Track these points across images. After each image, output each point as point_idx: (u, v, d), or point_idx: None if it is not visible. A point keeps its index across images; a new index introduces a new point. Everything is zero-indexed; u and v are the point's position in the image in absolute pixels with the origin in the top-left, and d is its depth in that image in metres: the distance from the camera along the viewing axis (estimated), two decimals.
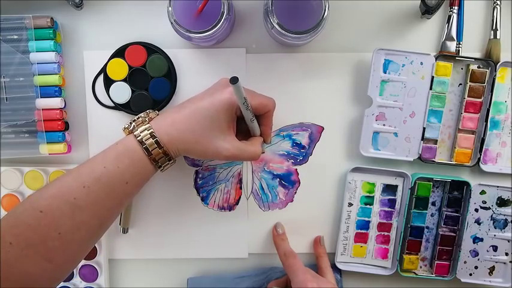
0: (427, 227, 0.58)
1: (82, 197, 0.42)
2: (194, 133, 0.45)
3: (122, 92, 0.56)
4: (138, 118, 0.47)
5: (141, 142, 0.44)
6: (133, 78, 0.56)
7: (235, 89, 0.43)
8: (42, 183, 0.57)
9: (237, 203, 0.59)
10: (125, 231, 0.58)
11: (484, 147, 0.55)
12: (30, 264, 0.40)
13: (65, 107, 0.56)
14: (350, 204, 0.57)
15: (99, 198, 0.42)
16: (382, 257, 0.58)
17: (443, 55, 0.54)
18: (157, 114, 0.49)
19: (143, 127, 0.45)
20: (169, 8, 0.48)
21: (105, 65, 0.56)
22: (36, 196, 0.42)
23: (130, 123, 0.47)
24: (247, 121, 0.49)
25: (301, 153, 0.58)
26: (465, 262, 0.57)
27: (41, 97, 0.54)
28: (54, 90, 0.55)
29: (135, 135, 0.45)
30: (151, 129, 0.45)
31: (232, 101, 0.45)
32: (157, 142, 0.44)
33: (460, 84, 0.56)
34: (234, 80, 0.41)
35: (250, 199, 0.59)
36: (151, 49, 0.55)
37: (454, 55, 0.54)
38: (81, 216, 0.42)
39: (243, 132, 0.51)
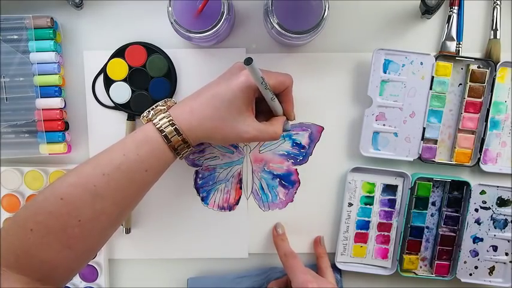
0: (427, 227, 0.58)
1: (102, 185, 0.42)
2: (213, 120, 0.45)
3: (122, 92, 0.56)
4: (156, 106, 0.47)
5: (160, 130, 0.44)
6: (133, 78, 0.56)
7: (251, 70, 0.42)
8: (42, 183, 0.57)
9: (237, 203, 0.59)
10: (127, 231, 0.58)
11: (484, 147, 0.55)
12: (50, 251, 0.40)
13: (65, 107, 0.56)
14: (350, 204, 0.57)
15: (119, 186, 0.42)
16: (382, 257, 0.58)
17: (443, 55, 0.54)
18: (175, 103, 0.49)
19: (162, 115, 0.45)
20: (169, 8, 0.48)
21: (105, 65, 0.56)
22: (57, 184, 0.42)
23: (149, 111, 0.47)
24: (268, 101, 0.48)
25: (301, 153, 0.58)
26: (465, 262, 0.57)
27: (41, 97, 0.54)
28: (54, 90, 0.55)
29: (154, 123, 0.45)
30: (170, 117, 0.45)
31: (249, 83, 0.45)
32: (176, 130, 0.44)
33: (460, 84, 0.56)
34: (248, 61, 0.41)
35: (250, 199, 0.59)
36: (151, 49, 0.55)
37: (454, 55, 0.54)
38: (101, 204, 0.42)
39: (264, 113, 0.51)
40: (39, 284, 0.40)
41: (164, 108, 0.47)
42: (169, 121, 0.45)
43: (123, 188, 0.43)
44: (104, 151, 0.45)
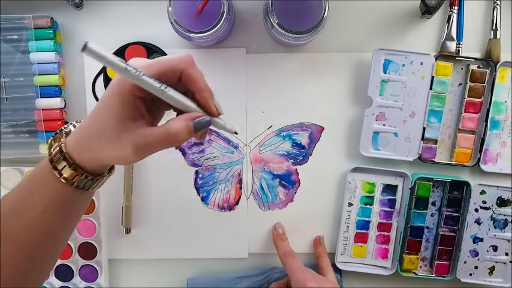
0: (427, 227, 0.58)
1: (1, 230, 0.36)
2: (97, 136, 0.36)
3: None
4: (55, 134, 0.39)
5: (51, 161, 0.37)
6: None
7: (92, 56, 0.31)
8: None
9: (237, 203, 0.59)
10: (127, 231, 0.58)
11: (484, 147, 0.55)
12: None
13: (65, 107, 0.56)
14: (350, 204, 0.57)
15: (17, 231, 0.37)
16: (382, 257, 0.58)
17: (443, 55, 0.54)
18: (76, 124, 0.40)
19: (56, 143, 0.37)
20: (169, 8, 0.48)
21: None
22: None
23: (50, 139, 0.39)
24: (160, 96, 0.35)
25: (301, 153, 0.58)
26: (465, 262, 0.57)
27: (41, 97, 0.54)
28: (54, 90, 0.55)
29: (49, 155, 0.37)
30: (63, 144, 0.37)
31: (120, 81, 0.35)
32: (66, 158, 0.36)
33: (460, 84, 0.56)
34: (84, 47, 0.30)
35: (250, 199, 0.59)
36: (151, 49, 0.55)
37: (454, 55, 0.54)
38: (3, 251, 0.36)
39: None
40: None
41: (62, 135, 0.38)
42: (59, 151, 0.37)
43: (23, 233, 0.37)
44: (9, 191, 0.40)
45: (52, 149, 0.37)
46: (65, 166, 0.36)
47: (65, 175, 0.37)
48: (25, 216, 0.37)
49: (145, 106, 0.36)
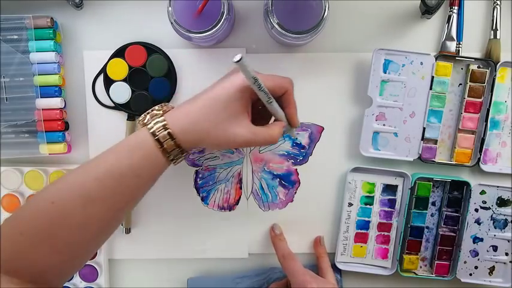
0: (427, 227, 0.58)
1: (94, 189, 0.41)
2: (206, 122, 0.44)
3: (122, 92, 0.56)
4: (152, 110, 0.46)
5: (153, 134, 0.43)
6: (133, 78, 0.56)
7: (241, 68, 0.40)
8: (42, 183, 0.57)
9: (237, 203, 0.59)
10: (127, 231, 0.58)
11: (484, 147, 0.55)
12: (40, 255, 0.40)
13: (65, 107, 0.56)
14: (350, 204, 0.57)
15: (111, 192, 0.42)
16: (382, 257, 0.58)
17: (443, 55, 0.54)
18: (172, 107, 0.48)
19: (157, 119, 0.44)
20: (169, 8, 0.48)
21: (105, 65, 0.56)
22: (49, 188, 0.42)
23: (145, 115, 0.46)
24: (265, 104, 0.46)
25: (301, 153, 0.58)
26: (465, 262, 0.57)
27: (41, 97, 0.54)
28: (54, 90, 0.55)
29: (148, 128, 0.44)
30: (165, 122, 0.44)
31: (245, 83, 0.43)
32: (169, 134, 0.43)
33: (460, 84, 0.56)
34: (238, 59, 0.39)
35: (250, 199, 0.59)
36: (151, 49, 0.55)
37: (454, 55, 0.54)
38: (92, 209, 0.41)
39: (267, 119, 0.50)
40: (30, 285, 0.40)
41: (160, 113, 0.45)
42: (163, 125, 0.43)
43: (115, 194, 0.42)
44: (97, 156, 0.44)
45: (153, 124, 0.43)
46: (167, 139, 0.43)
47: (165, 147, 0.43)
48: (120, 178, 0.42)
49: (251, 106, 0.46)
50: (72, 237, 0.41)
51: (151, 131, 0.43)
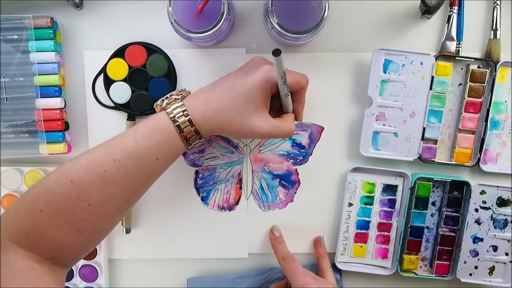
0: (427, 227, 0.58)
1: (113, 170, 0.42)
2: (228, 112, 0.45)
3: (122, 92, 0.56)
4: (170, 96, 0.47)
5: (173, 120, 0.44)
6: (133, 78, 0.56)
7: (277, 62, 0.42)
8: None
9: (237, 203, 0.59)
10: (127, 231, 0.58)
11: (484, 147, 0.55)
12: (59, 233, 0.41)
13: (65, 107, 0.56)
14: (350, 204, 0.57)
15: (129, 173, 0.43)
16: (382, 257, 0.58)
17: (443, 55, 0.54)
18: (190, 93, 0.49)
19: (176, 104, 0.45)
20: (169, 8, 0.48)
21: (105, 65, 0.56)
22: (68, 166, 0.42)
23: (163, 100, 0.47)
24: (282, 96, 0.48)
25: (301, 153, 0.58)
26: (465, 262, 0.57)
27: (41, 97, 0.54)
28: (54, 90, 0.55)
29: (167, 113, 0.45)
30: (184, 107, 0.45)
31: (268, 78, 0.45)
32: (189, 120, 0.44)
33: (460, 84, 0.56)
34: (277, 52, 0.40)
35: (250, 199, 0.59)
36: (151, 49, 0.55)
37: (454, 55, 0.54)
38: (110, 189, 0.42)
39: (274, 109, 0.51)
40: (48, 263, 0.41)
41: (179, 98, 0.46)
42: (183, 111, 0.44)
43: (133, 175, 0.43)
44: (116, 136, 0.45)
45: (172, 109, 0.45)
46: (187, 126, 0.44)
47: (185, 132, 0.44)
48: (138, 161, 0.43)
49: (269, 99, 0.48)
50: (91, 216, 0.42)
51: (171, 116, 0.44)
